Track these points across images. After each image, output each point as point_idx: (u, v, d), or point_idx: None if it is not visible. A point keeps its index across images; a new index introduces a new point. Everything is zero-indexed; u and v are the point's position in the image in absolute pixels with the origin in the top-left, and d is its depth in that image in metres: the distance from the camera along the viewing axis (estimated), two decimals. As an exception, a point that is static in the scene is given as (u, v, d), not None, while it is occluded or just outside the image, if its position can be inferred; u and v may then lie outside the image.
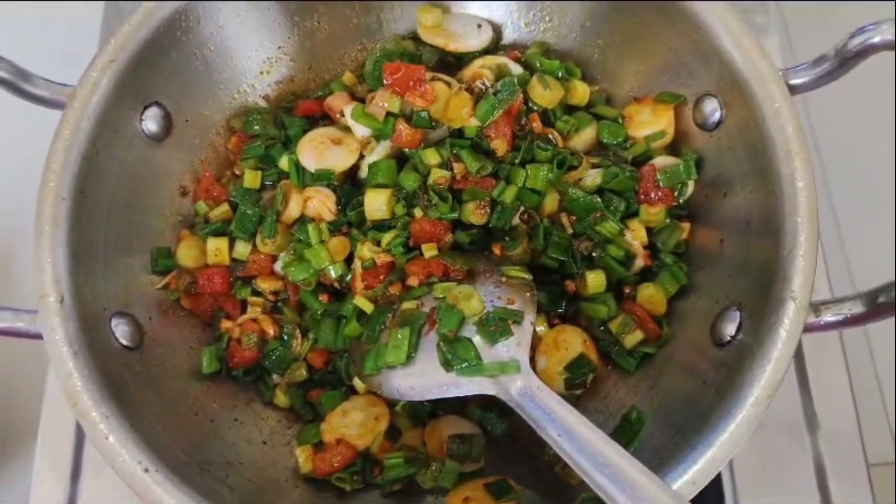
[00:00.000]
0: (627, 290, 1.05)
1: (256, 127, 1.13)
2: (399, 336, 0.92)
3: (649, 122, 1.09)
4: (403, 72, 1.02)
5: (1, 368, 1.28)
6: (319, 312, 1.04)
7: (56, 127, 0.95)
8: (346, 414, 0.99)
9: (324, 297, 1.04)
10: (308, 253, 1.02)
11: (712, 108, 1.03)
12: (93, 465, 1.14)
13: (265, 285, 1.05)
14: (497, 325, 0.91)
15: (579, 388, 1.01)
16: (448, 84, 1.06)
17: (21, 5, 1.47)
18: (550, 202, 1.05)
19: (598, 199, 1.04)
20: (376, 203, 1.03)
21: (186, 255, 1.06)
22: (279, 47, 1.15)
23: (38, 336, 0.88)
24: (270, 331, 1.03)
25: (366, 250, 1.01)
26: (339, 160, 1.06)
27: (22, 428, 1.20)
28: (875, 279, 0.90)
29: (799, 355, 1.17)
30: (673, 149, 1.10)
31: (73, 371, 0.85)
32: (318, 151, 1.06)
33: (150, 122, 1.04)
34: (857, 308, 0.86)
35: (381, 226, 1.04)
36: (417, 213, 1.02)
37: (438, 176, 1.02)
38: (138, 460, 0.82)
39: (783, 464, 1.14)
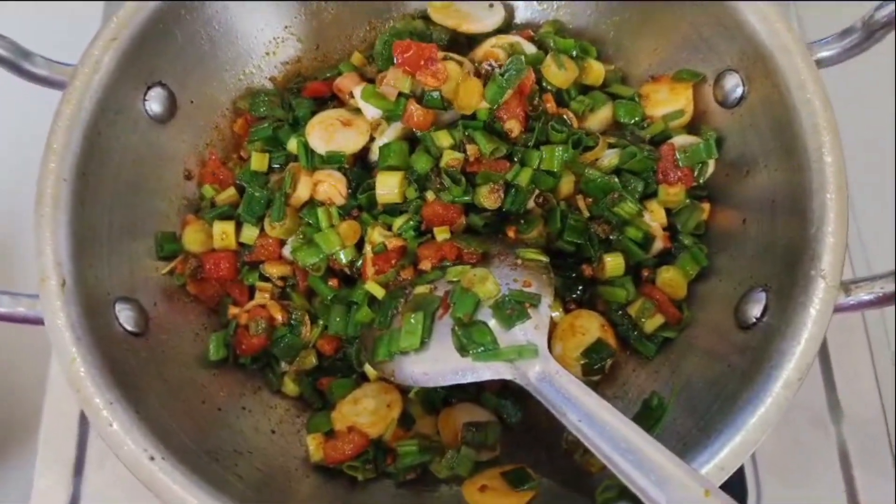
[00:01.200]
0: (646, 273, 1.01)
1: (263, 109, 1.10)
2: (412, 321, 0.89)
3: (667, 101, 1.06)
4: (414, 50, 0.99)
5: (2, 358, 1.25)
6: (329, 298, 1.01)
7: (57, 106, 0.92)
8: (357, 402, 0.97)
9: (333, 283, 1.01)
10: (318, 237, 0.99)
11: (734, 84, 0.99)
12: (96, 457, 1.11)
13: (273, 270, 1.02)
14: (513, 308, 0.88)
15: (597, 374, 0.98)
16: (460, 63, 1.03)
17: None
18: (566, 184, 1.02)
19: (616, 180, 1.01)
20: (387, 186, 0.99)
21: (192, 239, 1.03)
22: (286, 27, 1.12)
23: (40, 321, 0.85)
24: (279, 317, 1.00)
25: (377, 234, 0.98)
26: (350, 142, 1.03)
27: (24, 420, 1.17)
28: (891, 260, 0.87)
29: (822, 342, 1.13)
30: (692, 127, 1.07)
31: (76, 356, 0.82)
32: (327, 133, 1.03)
33: (154, 102, 1.01)
34: (889, 286, 0.83)
35: (393, 209, 1.01)
36: (429, 196, 0.99)
37: (451, 158, 0.98)
38: (144, 448, 0.79)
39: (807, 452, 1.12)
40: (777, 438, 1.11)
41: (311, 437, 0.96)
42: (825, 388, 1.13)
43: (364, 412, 0.95)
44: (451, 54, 1.03)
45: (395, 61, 1.00)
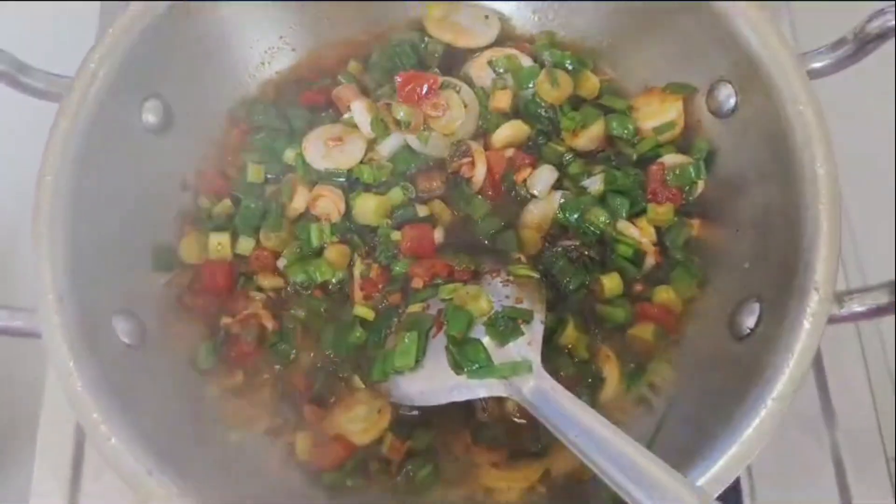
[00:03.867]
0: (639, 289, 1.01)
1: (259, 118, 1.10)
2: (406, 340, 0.90)
3: (658, 113, 1.07)
4: (416, 82, 1.02)
5: (-1, 368, 1.24)
6: (322, 311, 1.02)
7: (53, 119, 0.92)
8: (349, 408, 0.96)
9: (317, 293, 1.02)
10: (311, 267, 1.00)
11: (727, 94, 1.00)
12: (93, 468, 1.11)
13: (266, 282, 1.03)
14: (506, 325, 0.89)
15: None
16: (457, 90, 1.06)
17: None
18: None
19: (585, 197, 1.02)
20: (365, 209, 1.02)
21: (189, 250, 1.04)
22: (281, 37, 1.13)
23: (37, 335, 0.85)
24: (269, 325, 1.00)
25: (359, 263, 1.00)
26: (346, 157, 1.05)
27: (21, 429, 1.17)
28: (887, 271, 0.88)
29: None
30: (685, 139, 1.07)
31: (74, 371, 0.82)
32: (325, 149, 1.04)
33: (150, 114, 1.02)
34: (883, 298, 0.83)
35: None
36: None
37: None
38: (142, 462, 0.79)
39: (802, 460, 1.12)
40: (772, 446, 1.10)
41: (300, 435, 0.96)
42: (819, 396, 1.13)
43: (355, 419, 0.96)
44: (450, 79, 1.06)
45: (396, 92, 1.03)
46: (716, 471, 0.78)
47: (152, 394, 0.90)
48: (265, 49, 1.12)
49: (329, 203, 1.02)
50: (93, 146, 0.93)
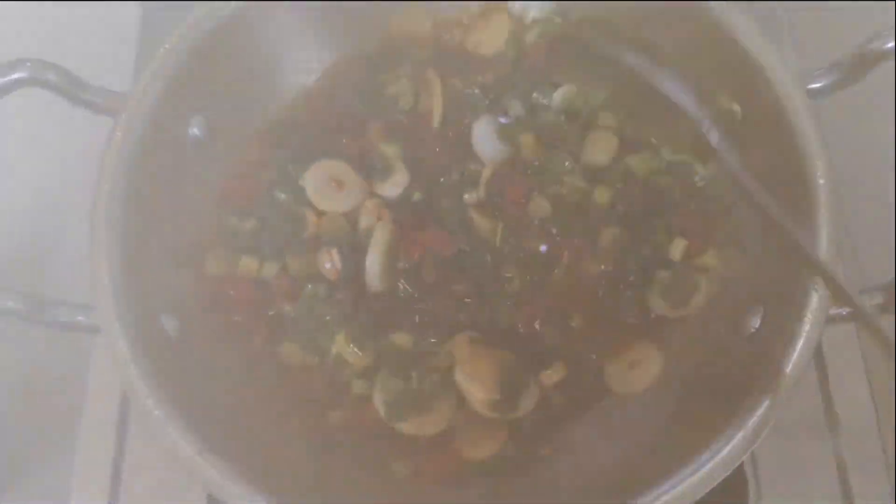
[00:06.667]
0: None
1: (288, 139, 1.16)
2: None
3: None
4: None
5: (39, 373, 1.30)
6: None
7: (109, 132, 1.00)
8: None
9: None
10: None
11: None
12: (135, 467, 1.15)
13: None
14: None
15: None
16: None
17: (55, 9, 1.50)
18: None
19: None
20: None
21: (216, 264, 1.09)
22: (318, 61, 1.19)
23: (94, 329, 0.92)
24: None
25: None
26: (345, 201, 1.11)
27: (62, 427, 1.21)
28: (886, 275, 0.94)
29: (818, 351, 1.19)
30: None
31: (130, 361, 0.89)
32: (327, 186, 1.11)
33: (196, 129, 1.09)
34: (877, 299, 0.89)
35: None
36: None
37: None
38: (194, 444, 0.85)
39: (804, 462, 1.16)
40: (777, 450, 1.15)
41: None
42: (822, 398, 1.18)
43: None
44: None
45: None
46: (723, 455, 0.83)
47: (199, 385, 0.96)
48: (304, 70, 1.19)
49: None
50: (144, 158, 1.00)
